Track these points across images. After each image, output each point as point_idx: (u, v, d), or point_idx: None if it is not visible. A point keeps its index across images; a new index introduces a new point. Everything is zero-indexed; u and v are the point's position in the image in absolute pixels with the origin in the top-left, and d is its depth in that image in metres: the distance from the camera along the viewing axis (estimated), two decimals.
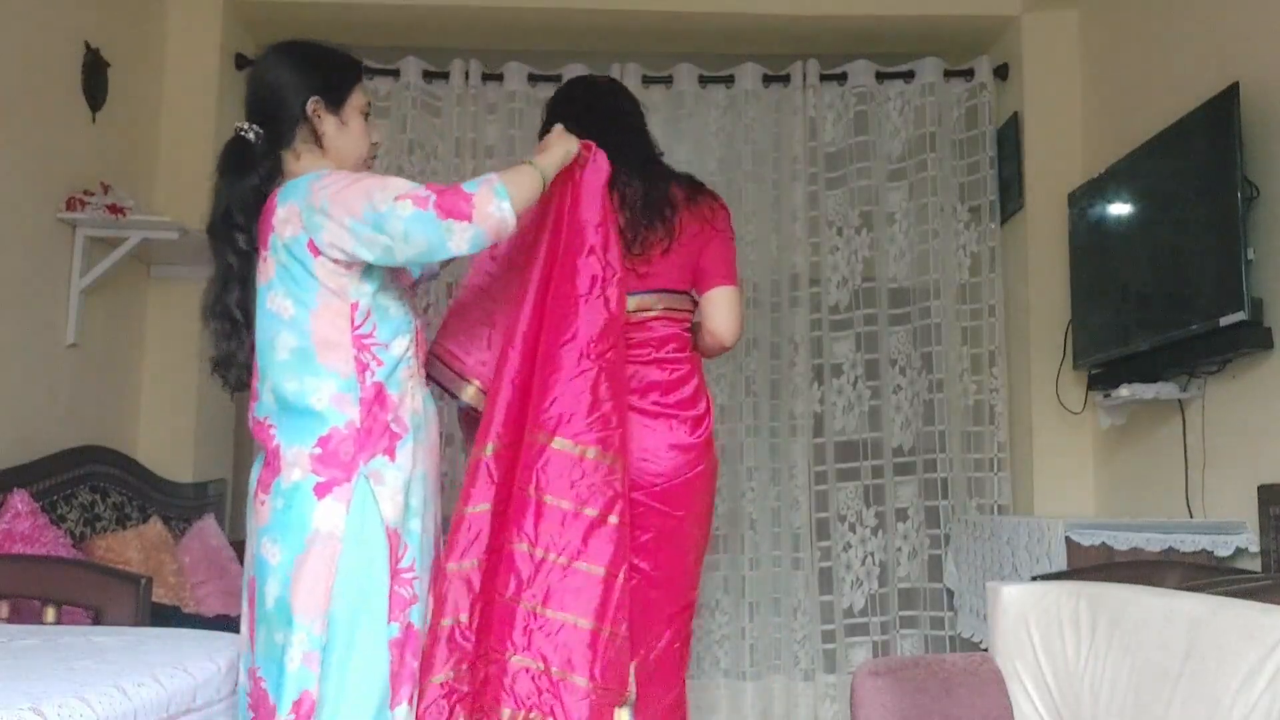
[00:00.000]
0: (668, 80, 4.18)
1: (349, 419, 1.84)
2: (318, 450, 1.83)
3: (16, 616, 2.35)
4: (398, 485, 1.87)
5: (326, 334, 1.85)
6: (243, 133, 1.94)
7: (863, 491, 4.06)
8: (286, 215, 1.84)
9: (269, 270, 1.87)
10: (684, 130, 4.17)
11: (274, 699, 1.80)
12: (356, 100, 2.00)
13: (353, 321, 1.86)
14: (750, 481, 4.01)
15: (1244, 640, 1.57)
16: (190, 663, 1.85)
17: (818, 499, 4.04)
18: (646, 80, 4.16)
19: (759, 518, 3.99)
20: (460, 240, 1.80)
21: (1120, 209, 3.34)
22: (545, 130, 2.26)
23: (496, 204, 1.81)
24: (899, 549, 4.01)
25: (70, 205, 3.22)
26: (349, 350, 1.86)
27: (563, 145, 2.08)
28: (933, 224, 4.10)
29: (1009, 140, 4.04)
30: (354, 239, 1.80)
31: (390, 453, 1.87)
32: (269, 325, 1.87)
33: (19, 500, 2.74)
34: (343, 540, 1.81)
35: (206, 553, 3.43)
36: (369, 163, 2.05)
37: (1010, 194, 4.04)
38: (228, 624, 2.83)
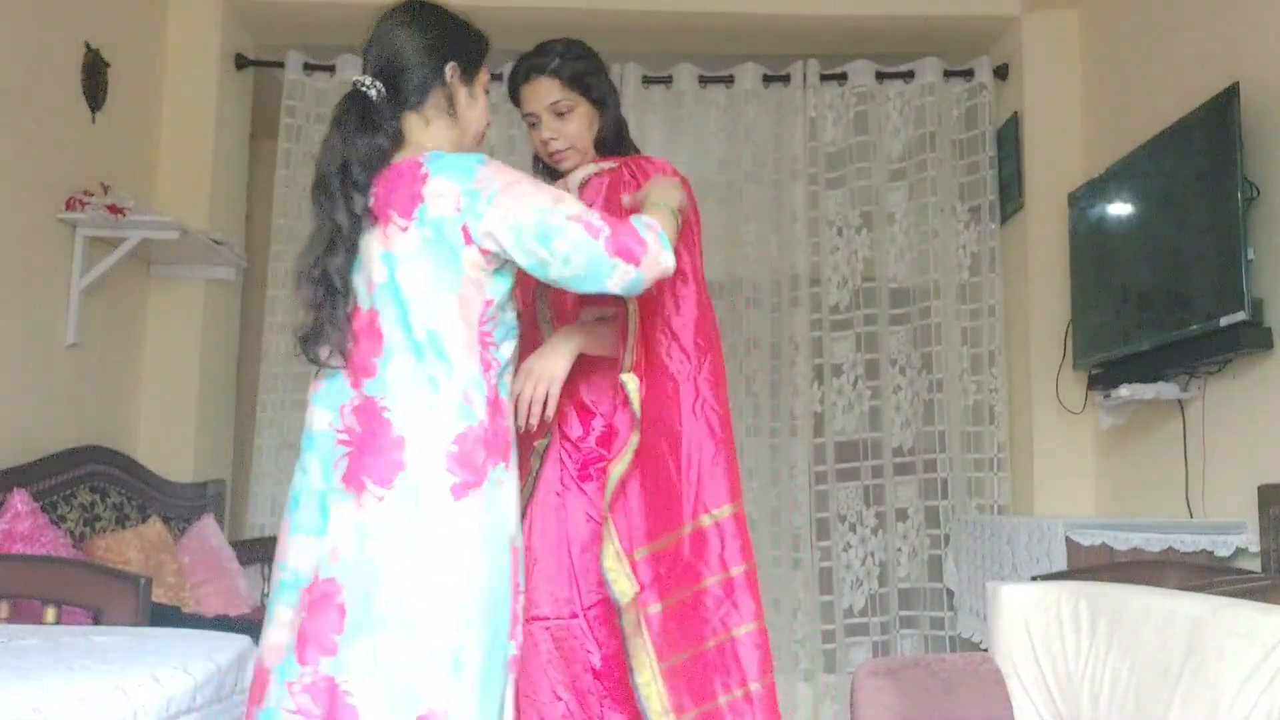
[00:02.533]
0: (668, 80, 4.18)
1: (480, 419, 1.71)
2: (454, 449, 1.67)
3: (16, 616, 2.35)
4: (514, 496, 1.76)
5: (460, 323, 1.71)
6: (364, 88, 1.79)
7: (863, 491, 4.06)
8: (443, 190, 1.70)
9: (409, 242, 1.71)
10: (684, 130, 4.18)
11: (369, 715, 1.60)
12: (483, 75, 1.91)
13: (482, 316, 1.74)
14: (750, 481, 4.00)
15: (1244, 640, 1.57)
16: (190, 663, 1.85)
17: (818, 499, 4.04)
18: (646, 80, 4.17)
19: (759, 518, 3.99)
20: (619, 281, 1.73)
21: (1120, 209, 3.34)
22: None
23: (665, 255, 1.76)
24: (899, 549, 4.01)
25: (70, 205, 3.22)
26: (477, 345, 1.73)
27: (679, 191, 1.98)
28: (933, 224, 4.10)
29: (1009, 140, 4.04)
30: (514, 240, 1.70)
31: (508, 461, 1.76)
32: (402, 301, 1.70)
33: (19, 500, 2.74)
34: (480, 547, 1.67)
35: (206, 553, 3.43)
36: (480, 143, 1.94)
37: (1010, 194, 4.04)
38: (228, 624, 2.84)
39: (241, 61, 4.13)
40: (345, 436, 1.70)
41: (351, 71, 4.13)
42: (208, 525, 3.57)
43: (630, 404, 1.91)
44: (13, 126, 3.00)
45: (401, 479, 1.65)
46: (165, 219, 3.45)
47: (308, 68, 4.16)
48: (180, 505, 3.67)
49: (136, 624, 2.27)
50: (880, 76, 4.17)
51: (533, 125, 2.18)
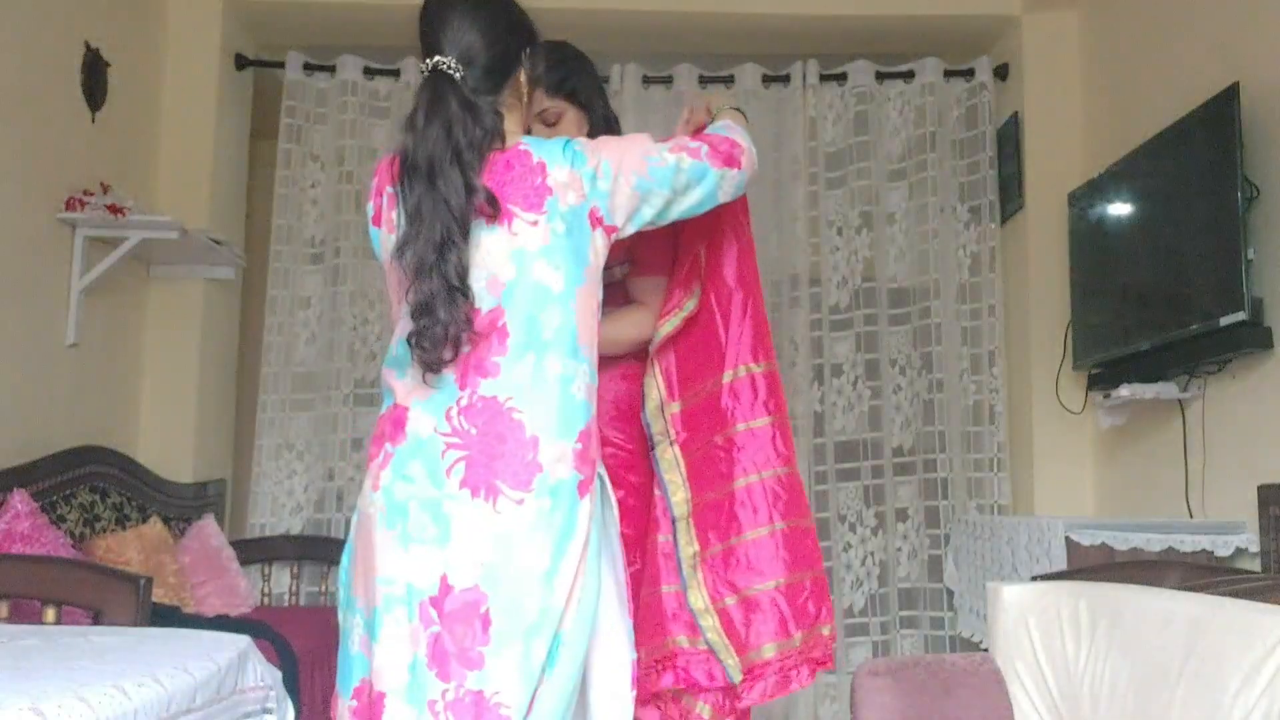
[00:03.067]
0: (668, 80, 4.18)
1: (594, 413, 1.69)
2: (579, 445, 1.65)
3: (16, 616, 2.35)
4: (607, 493, 1.76)
5: (585, 316, 1.69)
6: (449, 69, 1.68)
7: (863, 491, 4.06)
8: (567, 180, 1.67)
9: (540, 236, 1.65)
10: None
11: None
12: (527, 64, 1.87)
13: (598, 308, 1.73)
14: None
15: (1244, 640, 1.57)
16: (190, 663, 1.85)
17: (818, 499, 4.04)
18: (646, 80, 4.17)
19: None
20: (729, 187, 1.80)
21: (1120, 209, 3.34)
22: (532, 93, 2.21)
23: (752, 149, 1.84)
24: (899, 549, 4.01)
25: (70, 205, 3.22)
26: (595, 338, 1.72)
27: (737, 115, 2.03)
28: (933, 224, 4.10)
29: (1009, 140, 4.04)
30: (641, 197, 1.72)
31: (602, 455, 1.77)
32: (536, 297, 1.65)
33: (19, 500, 2.74)
34: (590, 544, 1.65)
35: (206, 553, 3.43)
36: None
37: (1010, 194, 4.04)
38: (228, 624, 2.84)
39: (241, 61, 4.13)
40: (457, 440, 1.62)
41: (351, 72, 4.14)
42: (208, 525, 3.57)
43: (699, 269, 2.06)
44: (13, 126, 3.00)
45: (539, 481, 1.62)
46: (165, 219, 3.45)
47: (308, 68, 4.16)
48: (180, 505, 3.67)
49: (136, 624, 2.27)
50: (880, 76, 4.17)
51: (526, 133, 2.21)
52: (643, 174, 1.71)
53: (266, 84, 4.33)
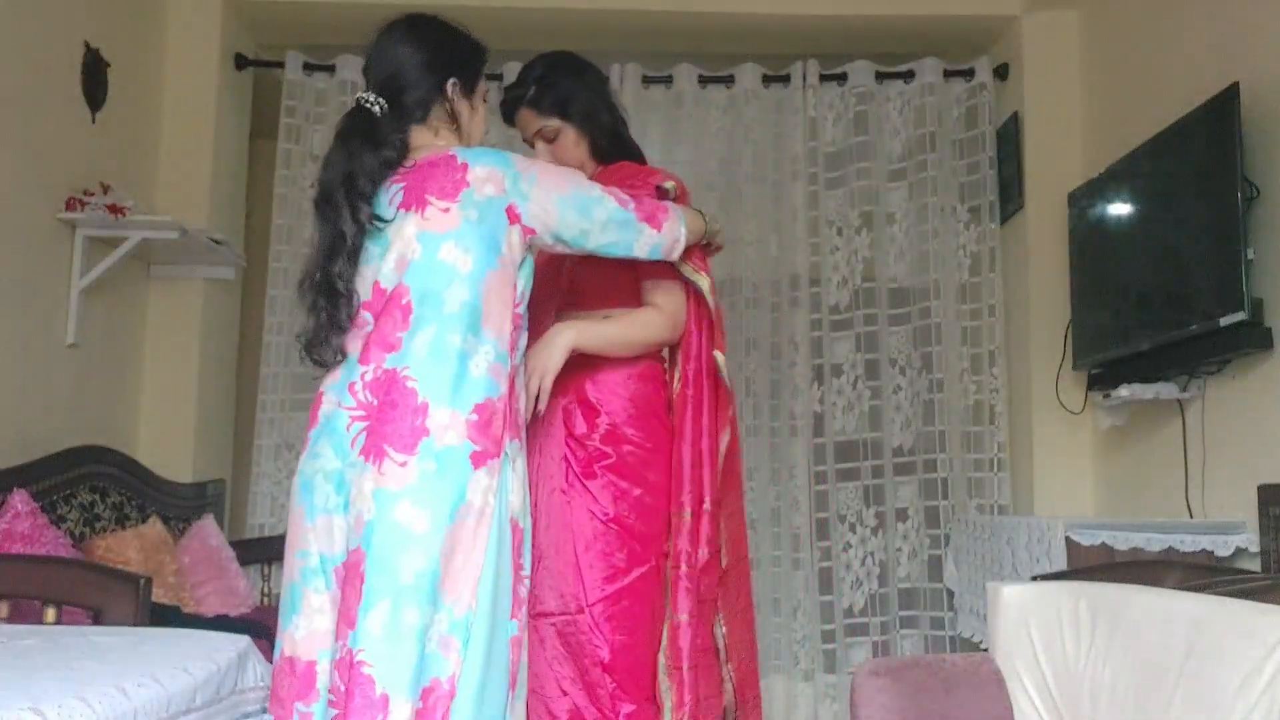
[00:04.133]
0: (668, 80, 4.18)
1: (502, 393, 1.77)
2: (474, 417, 1.72)
3: (16, 616, 2.35)
4: (523, 474, 1.81)
5: (496, 299, 1.79)
6: (367, 104, 1.87)
7: (863, 491, 4.06)
8: (487, 175, 1.80)
9: (448, 221, 1.78)
10: (684, 130, 4.18)
11: (386, 685, 1.62)
12: (482, 86, 2.00)
13: (514, 298, 1.83)
14: (750, 482, 4.00)
15: (1244, 640, 1.57)
16: (190, 663, 1.85)
17: (818, 499, 4.04)
18: (646, 80, 4.17)
19: (759, 518, 3.99)
20: (644, 244, 1.93)
21: (1120, 209, 3.34)
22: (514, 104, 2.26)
23: (677, 228, 1.97)
24: (899, 549, 4.01)
25: (70, 205, 3.22)
26: (508, 324, 1.81)
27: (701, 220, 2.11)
28: (933, 224, 4.10)
29: (1009, 140, 4.04)
30: (559, 215, 1.84)
31: (521, 440, 1.83)
32: (439, 274, 1.77)
33: (19, 500, 2.73)
34: (488, 518, 1.71)
35: (206, 553, 3.43)
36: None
37: (1010, 194, 4.04)
38: (228, 624, 2.84)
39: (241, 61, 4.14)
40: (360, 412, 1.74)
41: (352, 71, 4.14)
42: (208, 525, 3.57)
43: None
44: (13, 126, 3.00)
45: (425, 445, 1.69)
46: (165, 219, 3.45)
47: (308, 68, 4.16)
48: (180, 505, 3.67)
49: (136, 624, 2.27)
50: (880, 76, 4.17)
51: (532, 148, 2.28)
52: (564, 194, 1.85)
53: (266, 84, 4.33)
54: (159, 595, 2.86)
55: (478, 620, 1.67)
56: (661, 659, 2.04)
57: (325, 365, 1.82)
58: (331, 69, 4.16)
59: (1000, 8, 4.01)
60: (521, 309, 1.85)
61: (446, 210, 1.79)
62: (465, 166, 1.81)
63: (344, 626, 1.66)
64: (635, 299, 2.14)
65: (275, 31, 4.20)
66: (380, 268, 1.80)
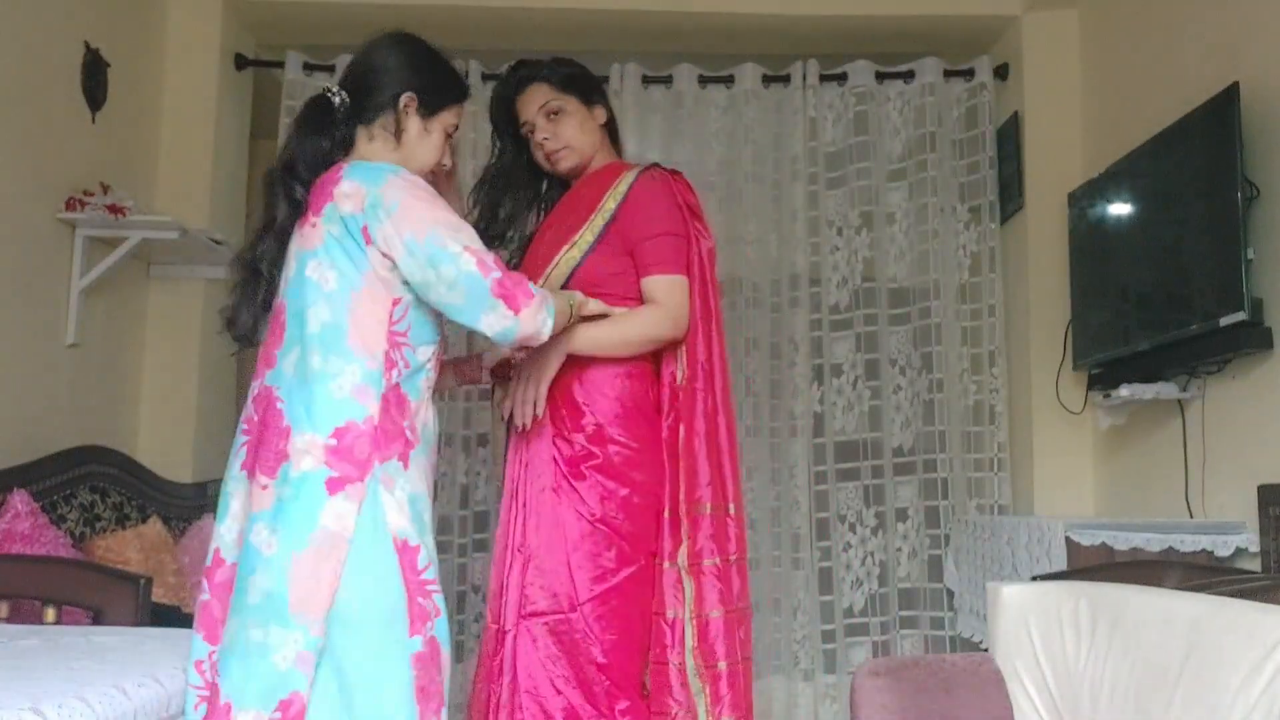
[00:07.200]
0: (668, 80, 4.18)
1: (368, 414, 1.74)
2: (332, 441, 1.72)
3: (16, 616, 2.35)
4: (406, 494, 1.77)
5: (363, 318, 1.78)
6: (330, 94, 1.93)
7: (863, 491, 4.06)
8: (351, 191, 1.80)
9: (315, 237, 1.81)
10: (684, 130, 4.17)
11: (229, 694, 1.66)
12: (447, 118, 1.99)
13: (391, 315, 1.80)
14: (750, 482, 4.00)
15: (1244, 640, 1.57)
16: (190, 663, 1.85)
17: (818, 499, 4.04)
18: (646, 80, 4.16)
19: (759, 518, 3.99)
20: (493, 322, 1.80)
21: (1120, 209, 3.34)
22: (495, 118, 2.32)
23: (541, 318, 1.84)
24: (899, 549, 4.01)
25: (70, 205, 3.22)
26: (381, 343, 1.78)
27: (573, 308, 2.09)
28: (933, 224, 4.10)
29: (1009, 140, 4.04)
30: (405, 253, 1.77)
31: (404, 459, 1.78)
32: (305, 293, 1.79)
33: (19, 500, 2.74)
34: (351, 542, 1.70)
35: (206, 553, 3.42)
36: (430, 179, 1.99)
37: (1010, 194, 4.04)
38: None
39: (241, 61, 4.13)
40: (245, 426, 1.85)
41: None
42: (208, 525, 3.56)
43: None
44: (13, 126, 3.00)
45: (284, 469, 1.73)
46: (165, 219, 3.45)
47: (308, 68, 4.16)
48: (180, 505, 3.67)
49: (136, 624, 2.27)
50: (880, 76, 4.17)
51: (530, 133, 2.25)
52: (417, 237, 1.77)
53: (266, 84, 4.33)
54: (159, 595, 2.86)
55: (337, 643, 1.69)
56: (689, 659, 2.04)
57: (245, 342, 1.91)
58: (331, 69, 4.15)
59: (1000, 8, 4.00)
60: (412, 323, 1.82)
61: (314, 226, 1.82)
62: (339, 179, 1.82)
63: (219, 631, 1.77)
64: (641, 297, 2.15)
65: (275, 31, 4.20)
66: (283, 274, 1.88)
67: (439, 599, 1.78)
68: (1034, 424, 3.85)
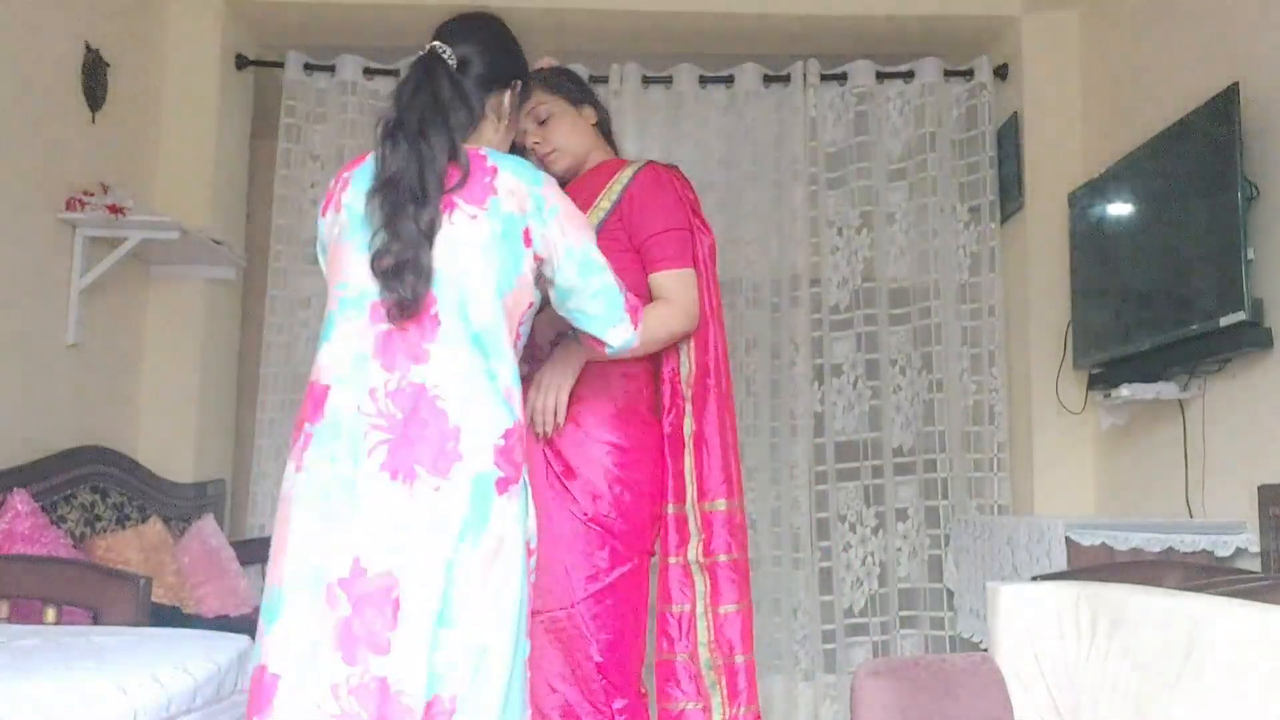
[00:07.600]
0: (668, 80, 4.18)
1: (518, 417, 1.70)
2: (502, 442, 1.66)
3: (16, 616, 2.35)
4: (531, 497, 1.76)
5: (512, 317, 1.74)
6: (443, 54, 1.80)
7: (863, 491, 4.06)
8: (514, 188, 1.72)
9: (479, 232, 1.70)
10: (684, 130, 4.17)
11: (415, 705, 1.55)
12: (520, 111, 1.99)
13: (521, 317, 1.77)
14: (750, 481, 4.00)
15: (1244, 640, 1.57)
16: (190, 663, 1.85)
17: (818, 499, 4.04)
18: (646, 80, 4.17)
19: (759, 518, 3.99)
20: (619, 334, 1.84)
21: (1120, 209, 3.34)
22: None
23: (648, 341, 1.96)
24: (899, 549, 4.01)
25: (70, 205, 3.22)
26: (515, 344, 1.75)
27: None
28: (933, 224, 4.10)
29: (1009, 140, 4.04)
30: (564, 259, 1.76)
31: (530, 463, 1.76)
32: (464, 289, 1.69)
33: (19, 500, 2.74)
34: (514, 544, 1.66)
35: (206, 553, 3.43)
36: None
37: (1010, 194, 4.04)
38: (228, 624, 2.84)
39: (241, 61, 4.13)
40: (382, 423, 1.63)
41: (352, 72, 4.14)
42: (208, 525, 3.57)
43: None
44: (13, 126, 3.00)
45: (458, 469, 1.62)
46: (165, 219, 3.45)
47: (308, 68, 4.16)
48: (180, 505, 3.67)
49: (136, 624, 2.27)
50: (880, 76, 4.17)
51: (522, 139, 2.28)
52: (575, 246, 1.77)
53: (266, 84, 4.33)
54: (159, 595, 2.87)
55: (498, 646, 1.61)
56: (703, 653, 2.04)
57: (410, 309, 1.64)
58: (332, 69, 4.16)
59: (1000, 8, 4.01)
60: (524, 329, 1.81)
61: (474, 218, 1.70)
62: (495, 170, 1.72)
63: (365, 650, 1.56)
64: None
65: (275, 31, 4.20)
66: None
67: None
68: (1034, 424, 3.85)
